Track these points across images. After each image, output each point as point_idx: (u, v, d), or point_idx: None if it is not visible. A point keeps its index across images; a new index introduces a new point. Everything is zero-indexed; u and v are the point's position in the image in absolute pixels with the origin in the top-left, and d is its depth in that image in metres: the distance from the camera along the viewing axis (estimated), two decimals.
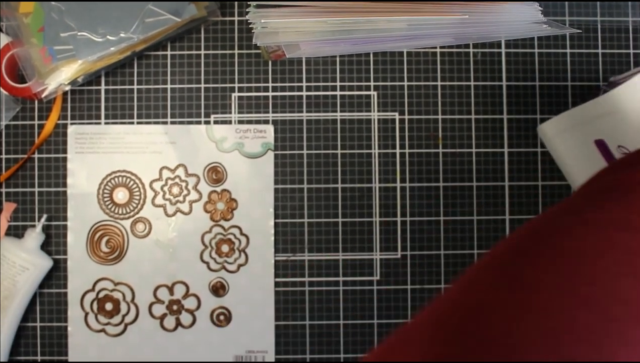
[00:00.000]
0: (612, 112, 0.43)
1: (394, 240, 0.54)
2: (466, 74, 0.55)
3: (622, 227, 0.26)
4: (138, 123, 0.54)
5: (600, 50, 0.55)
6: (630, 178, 0.29)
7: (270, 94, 0.54)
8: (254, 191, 0.54)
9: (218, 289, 0.53)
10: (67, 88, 0.50)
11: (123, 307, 0.53)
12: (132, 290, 0.53)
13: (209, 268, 0.53)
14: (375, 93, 0.54)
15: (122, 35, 0.49)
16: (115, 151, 0.53)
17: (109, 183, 0.53)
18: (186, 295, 0.53)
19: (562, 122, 0.50)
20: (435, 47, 0.55)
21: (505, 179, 0.54)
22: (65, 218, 0.53)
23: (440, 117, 0.54)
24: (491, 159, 0.54)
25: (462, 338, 0.24)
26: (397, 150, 0.54)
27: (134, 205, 0.53)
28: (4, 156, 0.53)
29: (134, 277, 0.53)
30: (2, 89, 0.51)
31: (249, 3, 0.46)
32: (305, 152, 0.54)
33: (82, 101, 0.54)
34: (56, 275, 0.53)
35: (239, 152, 0.54)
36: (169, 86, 0.54)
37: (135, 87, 0.54)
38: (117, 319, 0.53)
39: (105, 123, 0.54)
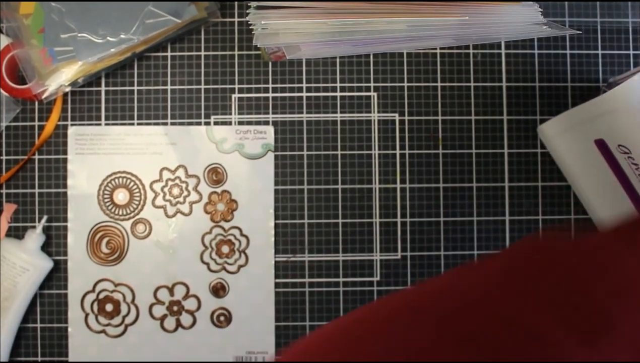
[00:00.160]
0: (612, 112, 0.43)
1: (394, 241, 0.54)
2: (466, 75, 0.55)
3: None
4: (138, 124, 0.54)
5: (600, 51, 0.55)
6: None
7: (270, 95, 0.54)
8: (254, 192, 0.54)
9: (218, 290, 0.53)
10: (68, 89, 0.50)
11: (123, 308, 0.53)
12: (132, 291, 0.53)
13: (209, 269, 0.53)
14: (375, 94, 0.54)
15: (122, 36, 0.49)
16: (115, 152, 0.53)
17: (109, 185, 0.53)
18: (186, 296, 0.53)
19: (562, 122, 0.50)
20: (436, 48, 0.55)
21: (505, 179, 0.54)
22: (65, 220, 0.53)
23: (440, 118, 0.54)
24: (491, 160, 0.54)
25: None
26: (397, 151, 0.54)
27: (134, 206, 0.53)
28: (4, 157, 0.53)
29: (134, 278, 0.53)
30: (2, 90, 0.51)
31: (249, 4, 0.46)
32: (305, 153, 0.54)
33: (82, 102, 0.54)
34: (56, 276, 0.53)
35: (239, 153, 0.54)
36: (169, 87, 0.54)
37: (135, 88, 0.54)
38: (117, 320, 0.53)
39: (106, 124, 0.54)
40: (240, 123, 0.54)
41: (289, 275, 0.54)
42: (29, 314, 0.52)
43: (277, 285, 0.54)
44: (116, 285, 0.53)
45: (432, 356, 0.22)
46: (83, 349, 0.53)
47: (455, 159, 0.54)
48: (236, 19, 0.54)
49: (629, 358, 0.24)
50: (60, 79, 0.49)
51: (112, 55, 0.50)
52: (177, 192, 0.53)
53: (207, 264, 0.53)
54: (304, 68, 0.54)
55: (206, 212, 0.53)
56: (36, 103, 0.53)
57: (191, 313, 0.53)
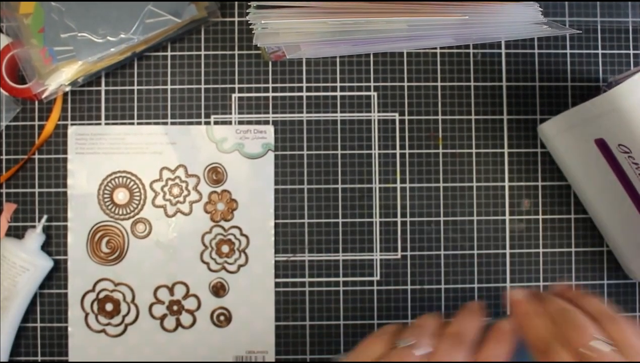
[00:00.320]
0: (612, 111, 0.43)
1: (394, 240, 0.54)
2: (466, 75, 0.55)
3: None
4: (138, 124, 0.54)
5: (600, 51, 0.55)
6: None
7: (270, 94, 0.54)
8: (254, 191, 0.54)
9: (218, 289, 0.53)
10: (68, 89, 0.50)
11: (123, 308, 0.53)
12: (132, 290, 0.53)
13: (209, 268, 0.53)
14: (375, 93, 0.54)
15: (122, 36, 0.49)
16: (115, 152, 0.53)
17: (109, 184, 0.53)
18: (186, 295, 0.53)
19: (562, 122, 0.50)
20: (435, 48, 0.55)
21: (505, 179, 0.54)
22: (65, 219, 0.53)
23: (440, 117, 0.54)
24: (491, 159, 0.54)
25: None
26: (397, 151, 0.54)
27: (134, 205, 0.53)
28: (4, 157, 0.53)
29: (134, 278, 0.53)
30: (2, 90, 0.51)
31: (249, 4, 0.46)
32: (305, 152, 0.54)
33: (82, 102, 0.54)
34: (56, 276, 0.53)
35: (239, 152, 0.54)
36: (169, 87, 0.54)
37: (135, 87, 0.54)
38: (117, 320, 0.53)
39: (106, 123, 0.54)
40: (240, 122, 0.54)
41: (289, 275, 0.54)
42: (29, 314, 0.52)
43: (277, 284, 0.54)
44: (116, 284, 0.53)
45: None
46: (83, 349, 0.53)
47: (455, 158, 0.54)
48: (236, 19, 0.54)
49: None
50: (60, 78, 0.49)
51: (112, 55, 0.50)
52: (177, 192, 0.53)
53: (207, 264, 0.53)
54: (304, 67, 0.54)
55: (206, 211, 0.53)
56: (36, 102, 0.54)
57: (191, 312, 0.53)
